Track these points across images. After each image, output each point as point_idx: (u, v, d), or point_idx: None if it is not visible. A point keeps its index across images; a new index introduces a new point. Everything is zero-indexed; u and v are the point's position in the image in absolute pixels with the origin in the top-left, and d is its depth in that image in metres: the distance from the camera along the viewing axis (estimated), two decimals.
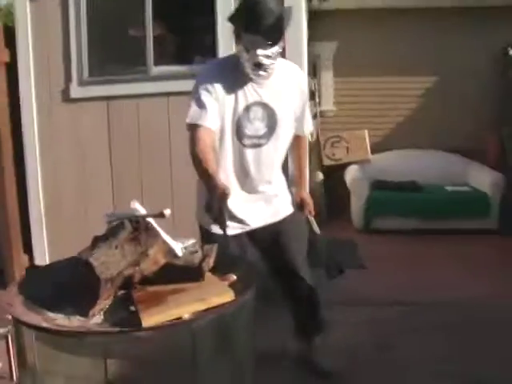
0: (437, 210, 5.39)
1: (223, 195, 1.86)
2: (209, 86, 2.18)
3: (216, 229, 2.01)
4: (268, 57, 2.15)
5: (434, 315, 3.42)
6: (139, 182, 4.08)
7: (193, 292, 1.61)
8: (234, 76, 2.23)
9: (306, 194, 2.79)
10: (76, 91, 4.15)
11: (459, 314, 3.40)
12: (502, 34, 5.83)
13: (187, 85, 4.01)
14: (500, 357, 2.87)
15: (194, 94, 2.23)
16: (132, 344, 1.51)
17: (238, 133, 2.27)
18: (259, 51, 2.13)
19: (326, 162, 6.23)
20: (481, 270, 4.31)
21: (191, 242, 1.84)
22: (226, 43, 3.94)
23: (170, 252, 1.69)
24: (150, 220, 1.71)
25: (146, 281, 1.69)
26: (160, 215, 1.68)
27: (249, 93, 2.25)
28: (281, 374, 2.73)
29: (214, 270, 1.80)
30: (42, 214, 4.24)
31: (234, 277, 1.76)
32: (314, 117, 5.58)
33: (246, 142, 2.29)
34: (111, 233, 1.66)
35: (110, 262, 1.55)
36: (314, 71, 6.11)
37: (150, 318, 1.47)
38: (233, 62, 2.25)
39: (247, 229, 2.44)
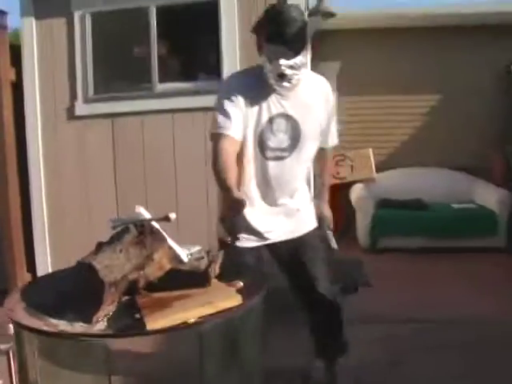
0: (443, 227, 5.33)
1: (238, 207, 1.82)
2: (232, 97, 2.13)
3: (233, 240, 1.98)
4: (291, 67, 2.09)
5: (446, 333, 3.37)
6: (144, 198, 4.06)
7: (199, 297, 1.57)
8: (258, 87, 2.18)
9: (326, 208, 2.69)
10: (81, 108, 4.18)
11: (471, 331, 3.35)
12: (504, 52, 5.86)
13: (192, 102, 4.12)
14: None
15: (217, 104, 2.17)
16: (136, 349, 1.46)
17: (261, 145, 2.21)
18: (282, 61, 2.07)
19: (331, 180, 6.19)
20: (489, 288, 4.24)
21: (197, 248, 1.80)
22: (230, 60, 3.98)
23: (176, 257, 1.66)
24: (157, 226, 1.68)
25: (151, 287, 1.65)
26: (165, 219, 1.65)
27: (272, 104, 2.19)
28: None
29: (220, 278, 1.76)
30: (46, 232, 4.22)
31: (241, 283, 1.72)
32: None
33: (269, 154, 2.23)
34: (115, 237, 1.62)
35: (114, 266, 1.51)
36: None
37: (155, 322, 1.43)
38: (256, 72, 2.19)
39: (266, 242, 2.37)
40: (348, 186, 6.12)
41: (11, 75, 4.16)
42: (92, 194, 4.16)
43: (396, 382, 2.81)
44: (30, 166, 4.20)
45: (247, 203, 2.18)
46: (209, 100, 4.00)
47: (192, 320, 1.46)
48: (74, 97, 4.18)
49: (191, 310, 1.50)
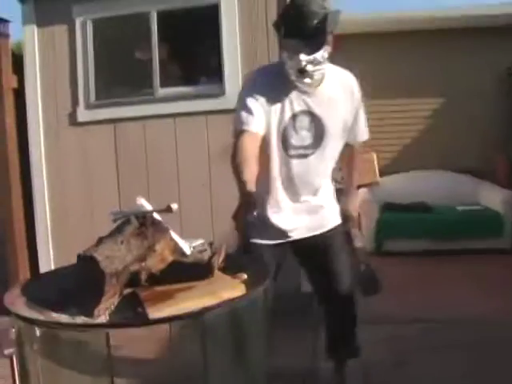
0: (448, 230, 5.30)
1: (248, 203, 1.80)
2: (254, 94, 2.10)
3: (253, 236, 1.98)
4: (312, 63, 2.04)
5: (452, 333, 3.34)
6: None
7: (202, 287, 1.55)
8: (280, 84, 2.14)
9: (352, 206, 2.62)
10: (83, 115, 4.18)
11: (477, 332, 3.31)
12: (506, 55, 5.86)
13: (193, 106, 4.11)
14: None
15: (239, 101, 2.15)
16: (138, 348, 1.44)
17: (284, 143, 2.17)
18: (302, 56, 2.02)
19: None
20: (495, 289, 4.20)
21: (200, 241, 1.78)
22: (231, 64, 3.98)
23: (178, 249, 1.64)
24: (158, 218, 1.67)
25: (154, 280, 1.63)
26: (167, 210, 1.63)
27: (295, 101, 2.15)
28: None
29: (224, 271, 1.74)
30: (49, 237, 4.20)
31: (245, 276, 1.70)
32: None
33: (292, 152, 2.20)
34: (117, 229, 1.61)
35: (115, 257, 1.49)
36: None
37: (158, 312, 1.40)
38: (279, 69, 2.15)
39: (288, 239, 2.34)
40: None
41: (13, 82, 4.18)
42: (95, 199, 4.14)
43: (402, 382, 2.78)
44: (33, 172, 4.19)
45: (272, 202, 2.22)
46: (210, 104, 4.07)
47: (195, 308, 1.43)
48: (75, 103, 4.18)
49: (194, 299, 1.47)
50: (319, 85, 2.17)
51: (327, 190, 2.43)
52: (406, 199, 5.70)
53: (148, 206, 1.69)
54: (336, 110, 2.23)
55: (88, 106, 4.17)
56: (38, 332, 1.58)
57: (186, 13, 4.08)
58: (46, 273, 2.28)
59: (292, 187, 2.27)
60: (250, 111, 2.06)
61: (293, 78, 2.10)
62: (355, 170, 2.64)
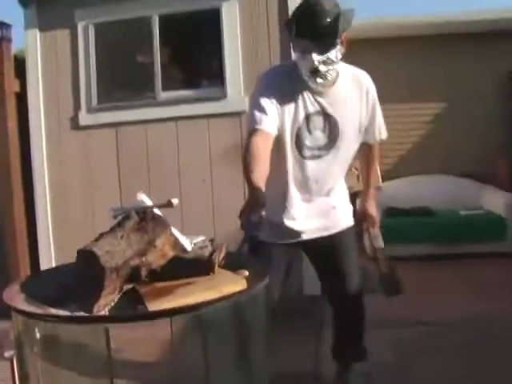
0: (451, 234, 5.27)
1: (256, 204, 1.79)
2: (267, 93, 2.08)
3: (263, 236, 1.95)
4: (325, 62, 2.02)
5: (455, 335, 3.33)
6: None
7: (203, 282, 1.54)
8: (294, 84, 2.11)
9: (369, 206, 2.63)
10: (85, 119, 4.19)
11: (480, 334, 3.30)
12: (507, 59, 5.87)
13: (195, 109, 4.11)
14: None
15: (252, 100, 2.14)
16: (138, 345, 1.43)
17: (298, 143, 2.15)
18: (314, 56, 2.00)
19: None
20: (498, 292, 4.17)
21: (200, 238, 1.77)
22: (232, 68, 3.98)
23: (179, 245, 1.63)
24: (159, 213, 1.66)
25: (154, 277, 1.62)
26: (168, 205, 1.62)
27: (309, 102, 2.12)
28: None
29: (225, 268, 1.73)
30: (51, 243, 4.20)
31: (246, 272, 1.69)
32: None
33: (306, 153, 2.17)
34: (117, 225, 1.60)
35: (115, 252, 1.48)
36: None
37: (158, 306, 1.39)
38: (291, 69, 2.13)
39: (299, 239, 2.32)
40: (354, 195, 6.07)
41: (15, 87, 4.20)
42: (96, 203, 4.13)
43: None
44: (35, 176, 4.19)
45: (285, 202, 2.21)
46: (212, 107, 4.08)
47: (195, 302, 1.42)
48: (77, 107, 4.19)
49: (195, 294, 1.46)
50: (333, 85, 2.14)
51: (340, 190, 2.41)
52: (408, 204, 5.68)
53: (148, 202, 1.68)
54: (351, 109, 2.20)
55: (90, 110, 4.18)
56: (38, 334, 1.57)
57: (188, 17, 4.11)
58: (46, 270, 2.27)
59: (305, 188, 2.25)
60: (263, 110, 2.04)
61: (305, 77, 2.08)
62: (373, 170, 2.64)
